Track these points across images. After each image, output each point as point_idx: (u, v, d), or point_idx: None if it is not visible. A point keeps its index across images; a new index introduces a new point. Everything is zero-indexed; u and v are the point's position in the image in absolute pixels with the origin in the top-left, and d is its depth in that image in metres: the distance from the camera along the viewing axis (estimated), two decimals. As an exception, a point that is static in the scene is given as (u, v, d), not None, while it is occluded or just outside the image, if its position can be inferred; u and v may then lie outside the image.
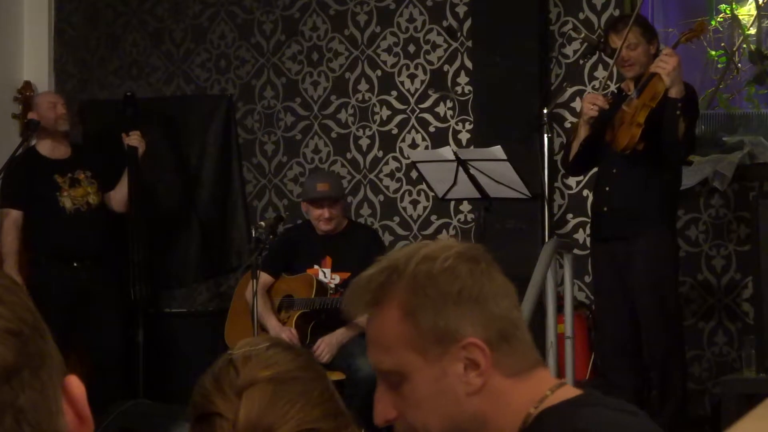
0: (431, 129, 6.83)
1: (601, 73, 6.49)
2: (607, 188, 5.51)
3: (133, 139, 6.52)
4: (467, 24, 6.75)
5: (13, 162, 6.44)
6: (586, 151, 5.49)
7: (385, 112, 6.93)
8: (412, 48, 6.89)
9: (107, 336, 6.31)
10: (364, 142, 6.97)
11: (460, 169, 5.55)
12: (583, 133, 5.45)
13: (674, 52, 5.24)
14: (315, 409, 1.78)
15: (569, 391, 1.80)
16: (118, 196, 6.52)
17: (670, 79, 5.16)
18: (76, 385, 0.91)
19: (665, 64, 5.17)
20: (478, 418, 1.75)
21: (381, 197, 6.91)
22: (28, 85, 7.34)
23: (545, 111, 5.81)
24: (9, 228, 6.37)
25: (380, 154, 6.93)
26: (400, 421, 1.78)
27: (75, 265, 6.32)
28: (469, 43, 6.73)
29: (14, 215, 6.40)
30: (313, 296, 5.89)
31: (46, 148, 6.51)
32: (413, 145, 6.83)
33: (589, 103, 5.37)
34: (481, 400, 1.75)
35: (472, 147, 6.48)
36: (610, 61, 6.22)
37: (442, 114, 6.81)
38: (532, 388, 1.78)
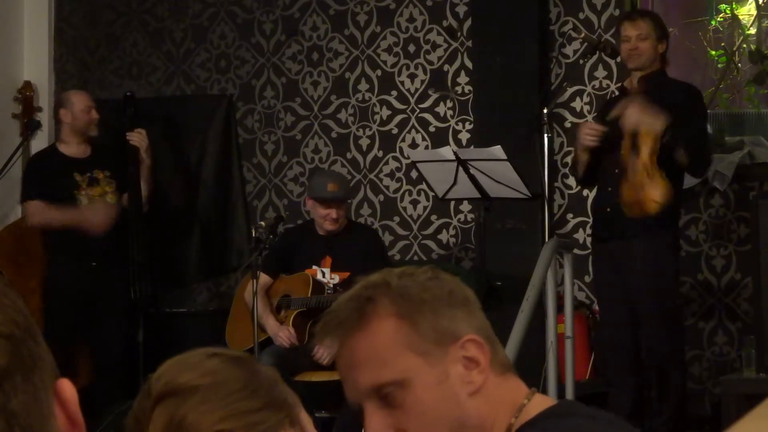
0: (431, 129, 6.82)
1: (601, 72, 6.49)
2: (610, 188, 5.51)
3: (135, 138, 6.51)
4: (467, 24, 6.74)
5: (35, 158, 6.44)
6: (594, 165, 5.55)
7: (385, 112, 6.92)
8: (412, 48, 6.88)
9: (112, 336, 6.32)
10: (364, 142, 6.96)
11: (460, 169, 5.54)
12: (584, 158, 5.51)
13: (628, 103, 5.30)
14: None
15: (543, 401, 1.82)
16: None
17: (645, 124, 5.23)
18: (67, 388, 0.91)
19: (629, 117, 5.25)
20: (481, 421, 1.75)
21: (381, 197, 6.91)
22: (28, 85, 7.34)
23: (545, 111, 5.80)
24: (33, 214, 6.33)
25: (380, 154, 6.92)
26: None
27: (93, 264, 6.31)
28: (469, 43, 6.72)
29: (36, 203, 6.36)
30: (309, 295, 5.89)
31: (67, 146, 6.49)
32: (413, 145, 6.82)
33: (587, 135, 5.44)
34: (480, 400, 1.75)
35: (472, 147, 6.48)
36: (610, 61, 6.22)
37: (442, 114, 6.81)
38: (512, 391, 1.80)
